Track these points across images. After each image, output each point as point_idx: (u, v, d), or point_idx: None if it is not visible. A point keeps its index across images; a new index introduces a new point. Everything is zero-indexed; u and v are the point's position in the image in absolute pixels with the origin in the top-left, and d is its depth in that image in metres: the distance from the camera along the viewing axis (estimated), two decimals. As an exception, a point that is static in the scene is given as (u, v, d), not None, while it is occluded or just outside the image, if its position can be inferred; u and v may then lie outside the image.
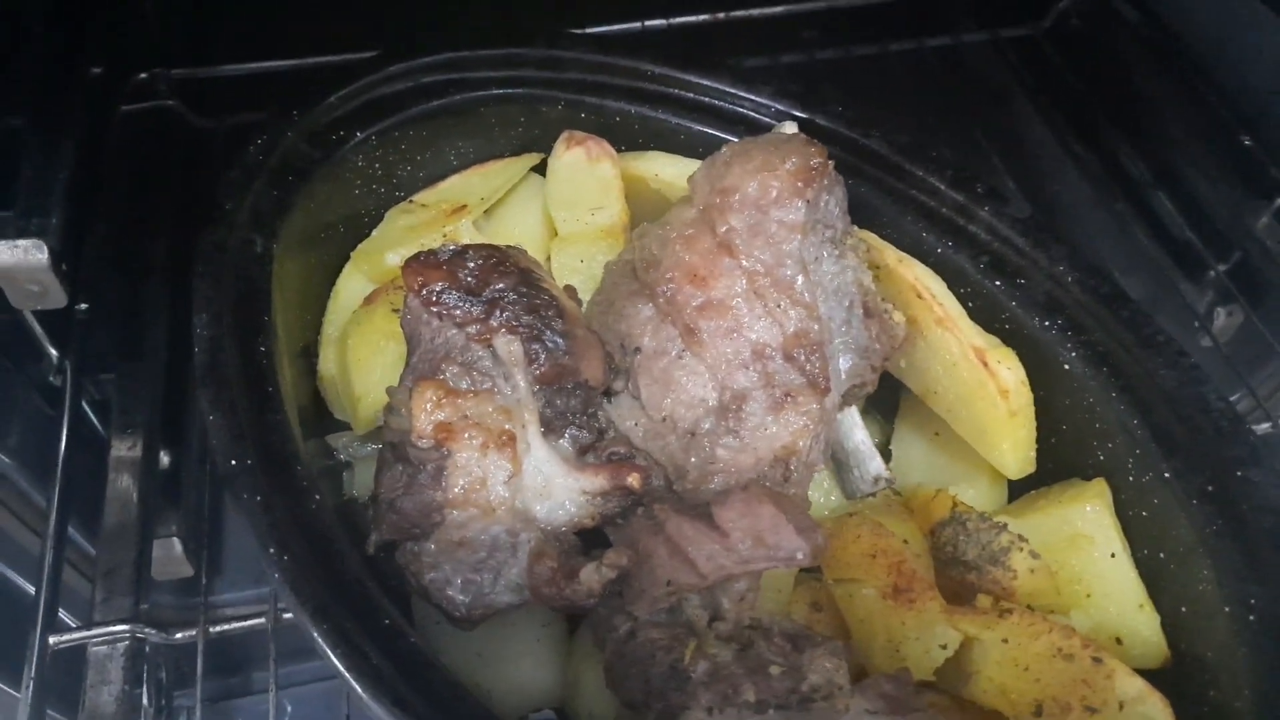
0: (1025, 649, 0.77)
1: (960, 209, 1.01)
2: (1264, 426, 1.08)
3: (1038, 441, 0.94)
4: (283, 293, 0.87)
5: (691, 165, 1.01)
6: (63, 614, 0.89)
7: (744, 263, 0.84)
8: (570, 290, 0.87)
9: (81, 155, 1.05)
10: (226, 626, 0.85)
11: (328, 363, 0.94)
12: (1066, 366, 0.94)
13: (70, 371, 0.97)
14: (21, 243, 0.87)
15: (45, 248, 0.87)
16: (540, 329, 0.77)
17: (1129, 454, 0.89)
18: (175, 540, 0.94)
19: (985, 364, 0.92)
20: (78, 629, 0.81)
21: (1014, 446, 0.92)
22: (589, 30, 1.31)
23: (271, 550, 0.66)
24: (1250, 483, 0.82)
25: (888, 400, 1.02)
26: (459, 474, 0.72)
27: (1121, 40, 1.41)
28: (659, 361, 0.84)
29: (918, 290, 0.95)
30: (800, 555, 0.73)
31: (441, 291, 0.78)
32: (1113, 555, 0.86)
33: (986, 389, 0.92)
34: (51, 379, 0.99)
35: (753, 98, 1.09)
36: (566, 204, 1.04)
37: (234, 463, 0.70)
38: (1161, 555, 0.86)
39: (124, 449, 0.91)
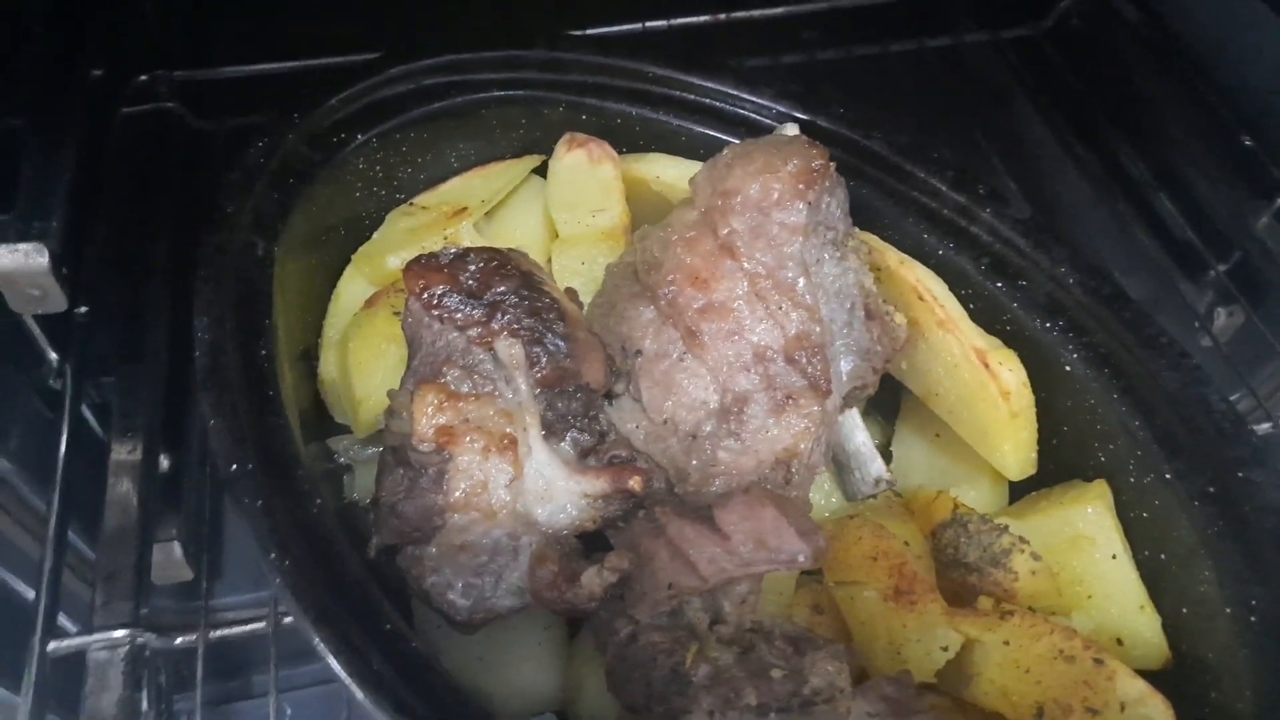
0: (1026, 651, 0.77)
1: (961, 210, 1.01)
2: (1265, 426, 1.08)
3: (1039, 443, 0.94)
4: (283, 295, 0.87)
5: (693, 167, 1.01)
6: (63, 618, 0.89)
7: (745, 265, 0.84)
8: (571, 293, 0.87)
9: (82, 158, 1.05)
10: (227, 631, 0.85)
11: (329, 366, 0.94)
12: (1068, 368, 0.94)
13: (70, 375, 0.96)
14: (21, 246, 0.87)
15: (45, 251, 0.87)
16: (541, 332, 0.77)
17: (1130, 455, 0.89)
18: (175, 544, 0.94)
19: (987, 365, 0.92)
20: (78, 634, 0.80)
21: (1015, 448, 0.92)
22: (590, 32, 1.30)
23: (273, 555, 0.66)
24: (1252, 484, 0.82)
25: (889, 402, 1.02)
26: (460, 478, 0.72)
27: (1122, 40, 1.41)
28: (660, 364, 0.83)
29: (919, 292, 0.95)
30: (802, 558, 0.73)
31: (443, 295, 0.77)
32: (1114, 556, 0.86)
33: (988, 390, 0.92)
34: (51, 382, 0.99)
35: (754, 99, 1.09)
36: (568, 206, 1.03)
37: (235, 467, 0.70)
38: (1163, 556, 0.86)
39: (124, 452, 0.91)
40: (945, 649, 0.77)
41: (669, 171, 1.07)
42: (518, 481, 0.74)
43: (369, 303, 0.95)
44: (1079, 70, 1.45)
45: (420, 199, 1.07)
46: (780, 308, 0.83)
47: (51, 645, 0.79)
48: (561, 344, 0.77)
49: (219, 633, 0.85)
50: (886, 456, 0.99)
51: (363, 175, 1.04)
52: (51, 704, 0.79)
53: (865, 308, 0.89)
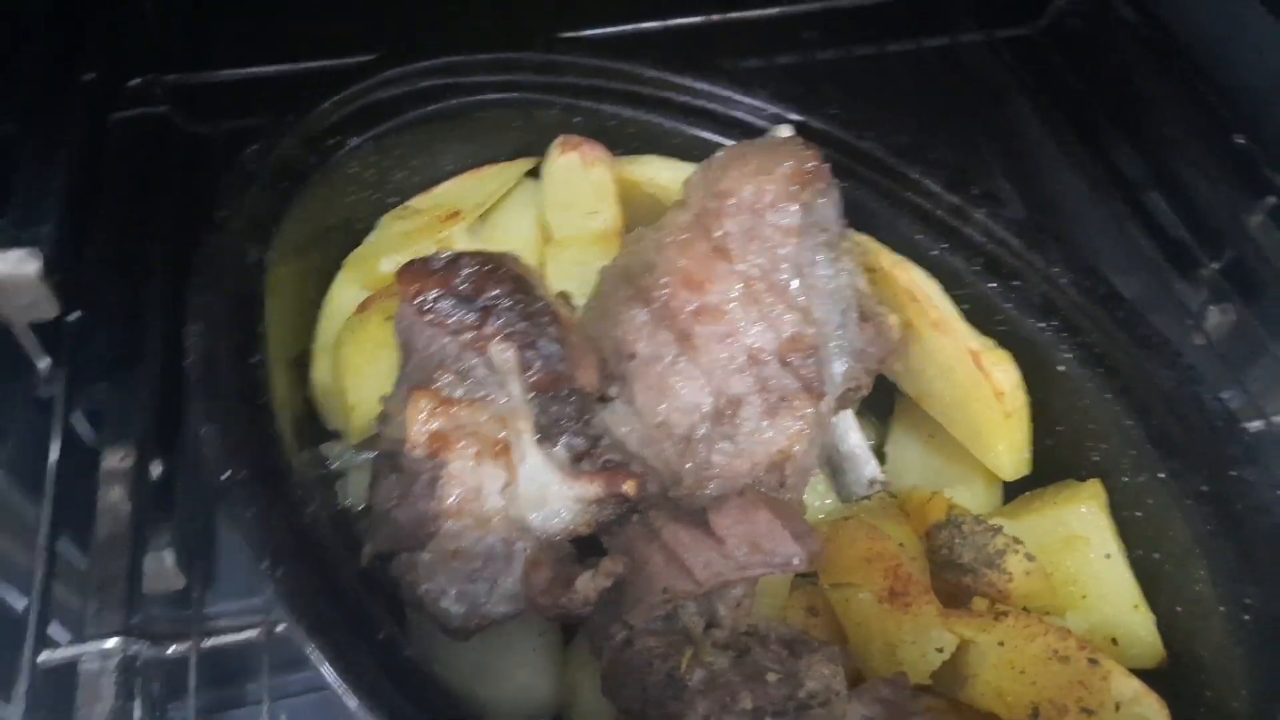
0: (1021, 651, 0.77)
1: (955, 211, 1.01)
2: (1257, 424, 1.08)
3: (1033, 443, 0.94)
4: (276, 301, 0.87)
5: (687, 169, 1.01)
6: (55, 627, 0.88)
7: (739, 267, 0.84)
8: (565, 296, 0.87)
9: (74, 163, 1.04)
10: (220, 639, 0.84)
11: (321, 371, 0.93)
12: (1062, 368, 0.94)
13: (62, 382, 0.96)
14: (13, 253, 0.87)
15: (38, 258, 0.86)
16: (535, 336, 0.77)
17: (1124, 455, 0.90)
18: (168, 552, 0.93)
19: (981, 366, 0.92)
20: (69, 644, 0.80)
21: (1009, 448, 0.92)
22: (584, 33, 1.30)
23: (265, 564, 0.66)
24: (1245, 483, 0.83)
25: (882, 402, 1.01)
26: (453, 484, 0.72)
27: (1118, 40, 1.41)
28: (654, 367, 0.83)
29: (913, 293, 0.95)
30: (796, 561, 0.73)
31: (436, 299, 0.77)
32: (1108, 556, 0.86)
33: (982, 391, 0.92)
34: (42, 389, 0.98)
35: (748, 100, 1.09)
36: (561, 209, 1.03)
37: (227, 476, 0.70)
38: (1157, 556, 0.86)
39: (115, 460, 0.91)
40: (940, 650, 0.77)
41: (663, 174, 1.06)
42: (511, 487, 0.73)
43: (362, 307, 0.94)
44: (1076, 70, 1.44)
45: (414, 202, 1.07)
46: (774, 310, 0.83)
47: (43, 656, 0.79)
48: (555, 348, 0.77)
49: (212, 641, 0.84)
50: (880, 457, 0.99)
51: (356, 178, 1.03)
52: (43, 715, 0.78)
53: (859, 309, 0.88)
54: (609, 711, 0.75)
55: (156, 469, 0.96)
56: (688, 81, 1.09)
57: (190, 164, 1.21)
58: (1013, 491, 0.96)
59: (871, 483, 0.94)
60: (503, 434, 0.74)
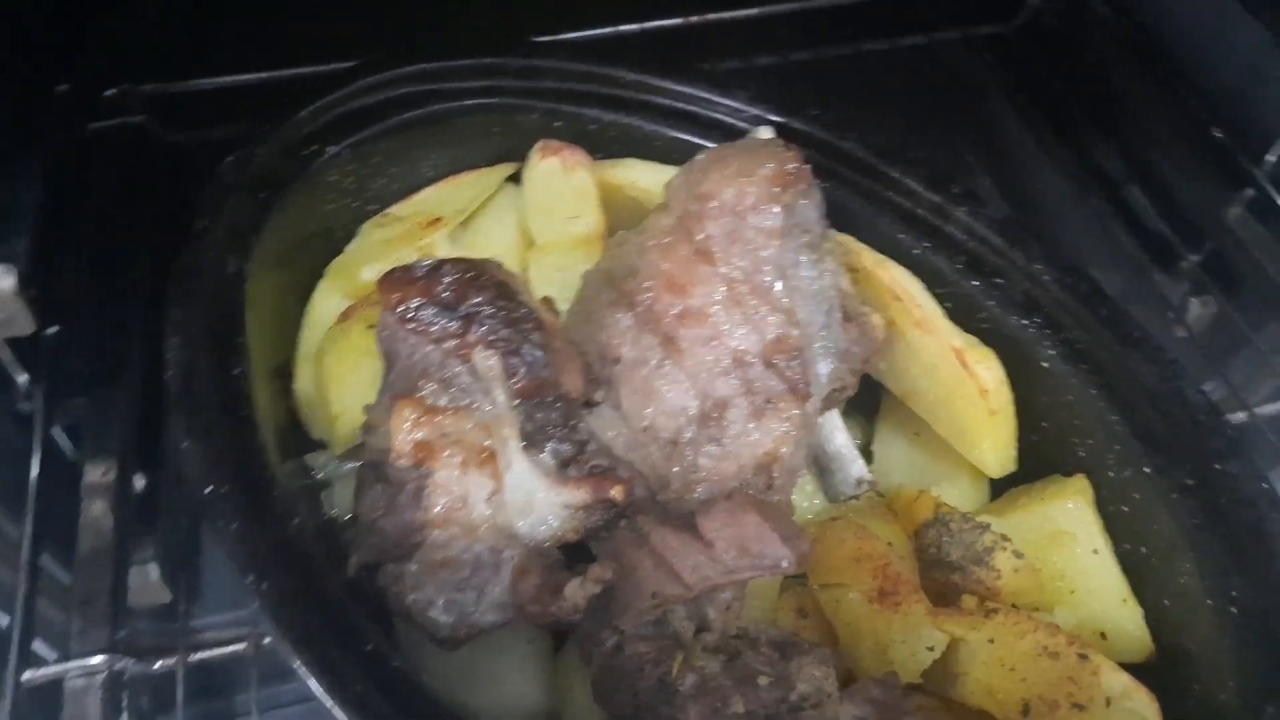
0: (1011, 648, 0.77)
1: (937, 210, 1.01)
2: (1240, 415, 1.09)
3: (1018, 439, 0.94)
4: (257, 311, 0.86)
5: (668, 172, 1.00)
6: (41, 645, 0.87)
7: (722, 270, 0.84)
8: (548, 301, 0.87)
9: (49, 176, 1.03)
10: (207, 654, 0.84)
11: (304, 381, 0.92)
12: (1045, 364, 0.94)
13: (41, 397, 0.95)
14: (-14, 271, 0.86)
15: (12, 274, 0.85)
16: (519, 343, 0.77)
17: (1109, 450, 0.90)
18: (152, 566, 0.92)
19: (965, 364, 0.92)
20: (54, 661, 0.79)
21: (995, 445, 0.92)
22: (563, 37, 1.30)
23: (250, 579, 0.65)
24: (1230, 476, 0.83)
25: (868, 402, 1.02)
26: (439, 493, 0.71)
27: (1094, 36, 1.42)
28: (639, 371, 0.83)
29: (896, 292, 0.95)
30: (785, 563, 0.73)
31: (418, 308, 0.77)
32: (1095, 551, 0.87)
33: (966, 389, 0.92)
34: (21, 405, 0.97)
35: (729, 102, 1.09)
36: (543, 213, 1.03)
37: (209, 490, 0.69)
38: (1143, 550, 0.87)
39: (97, 474, 0.90)
40: (931, 649, 0.78)
41: (644, 177, 1.06)
42: (498, 495, 0.73)
43: (344, 316, 0.93)
44: (1052, 67, 1.45)
45: (394, 209, 1.06)
46: (758, 312, 0.83)
47: (26, 674, 0.78)
48: (539, 354, 0.77)
49: (199, 655, 0.84)
50: (867, 457, 0.99)
51: (336, 186, 1.03)
52: (29, 734, 0.77)
53: (843, 309, 0.89)
54: (600, 718, 0.75)
55: (139, 482, 0.95)
56: (668, 84, 1.09)
57: (168, 174, 1.20)
58: (999, 488, 0.96)
59: (859, 482, 0.94)
60: (488, 442, 0.74)
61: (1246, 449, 0.86)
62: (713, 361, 0.82)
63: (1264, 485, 0.82)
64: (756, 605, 0.83)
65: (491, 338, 0.76)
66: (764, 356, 0.82)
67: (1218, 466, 0.83)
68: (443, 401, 0.75)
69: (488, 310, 0.77)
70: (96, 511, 0.88)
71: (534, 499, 0.74)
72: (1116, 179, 1.35)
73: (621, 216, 1.03)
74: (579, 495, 0.75)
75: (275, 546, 0.69)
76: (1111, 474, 0.89)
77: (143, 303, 1.02)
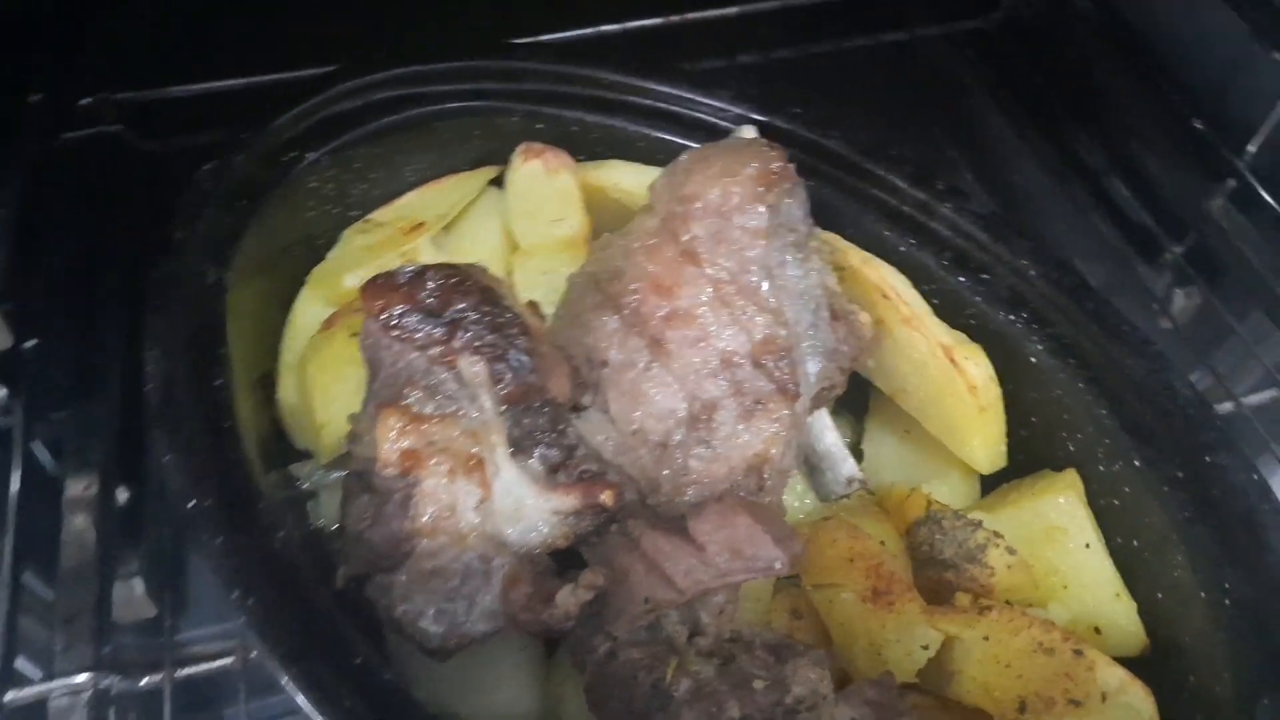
0: (1006, 645, 0.77)
1: (922, 206, 1.01)
2: (1226, 405, 1.09)
3: (1008, 435, 0.94)
4: (238, 321, 0.85)
5: (652, 173, 1.00)
6: (24, 663, 0.86)
7: (708, 271, 0.83)
8: (533, 306, 0.86)
9: (24, 188, 1.02)
10: (194, 669, 0.82)
11: (287, 390, 0.91)
12: (1034, 360, 0.94)
13: (20, 411, 0.94)
14: (-39, 285, 0.84)
15: (-15, 289, 0.84)
16: (504, 348, 0.76)
17: (1099, 444, 0.90)
18: (137, 580, 0.91)
19: (953, 361, 0.92)
20: (38, 681, 0.78)
21: (985, 442, 0.92)
22: (543, 38, 1.29)
23: (236, 594, 0.64)
24: (1219, 467, 0.83)
25: (857, 400, 1.01)
26: (427, 502, 0.71)
27: (1074, 30, 1.42)
28: (627, 374, 0.82)
29: (883, 290, 0.95)
30: (778, 565, 0.72)
31: (401, 315, 0.76)
32: (1087, 546, 0.87)
33: (955, 386, 0.92)
34: (0, 420, 0.96)
35: (711, 102, 1.08)
36: (526, 217, 1.02)
37: (193, 504, 0.68)
38: (1135, 543, 0.87)
39: (79, 488, 0.88)
40: (925, 648, 0.77)
41: (628, 178, 1.06)
42: (486, 502, 0.72)
43: (327, 324, 0.92)
44: (1033, 61, 1.46)
45: (376, 215, 1.05)
46: (745, 312, 0.82)
47: (10, 695, 0.76)
48: (525, 359, 0.76)
49: (185, 671, 0.83)
50: (857, 455, 0.99)
51: (316, 193, 1.02)
52: (12, 756, 0.76)
53: (830, 308, 0.88)
54: (594, 725, 0.74)
55: (122, 495, 0.94)
56: (649, 84, 1.09)
57: (146, 183, 1.18)
58: (989, 484, 0.96)
59: (850, 481, 0.94)
60: (475, 449, 0.73)
61: (1235, 440, 0.86)
62: (701, 363, 0.81)
63: (1254, 476, 0.82)
64: (750, 608, 0.83)
65: (477, 343, 0.75)
66: (752, 357, 0.82)
67: (1208, 458, 0.84)
68: (428, 409, 0.74)
69: (472, 316, 0.76)
70: (79, 526, 0.87)
71: (523, 506, 0.73)
72: (1099, 172, 1.35)
73: (605, 219, 1.02)
74: (569, 501, 0.74)
75: (261, 559, 0.68)
76: (1101, 468, 0.89)
77: (121, 315, 1.01)
